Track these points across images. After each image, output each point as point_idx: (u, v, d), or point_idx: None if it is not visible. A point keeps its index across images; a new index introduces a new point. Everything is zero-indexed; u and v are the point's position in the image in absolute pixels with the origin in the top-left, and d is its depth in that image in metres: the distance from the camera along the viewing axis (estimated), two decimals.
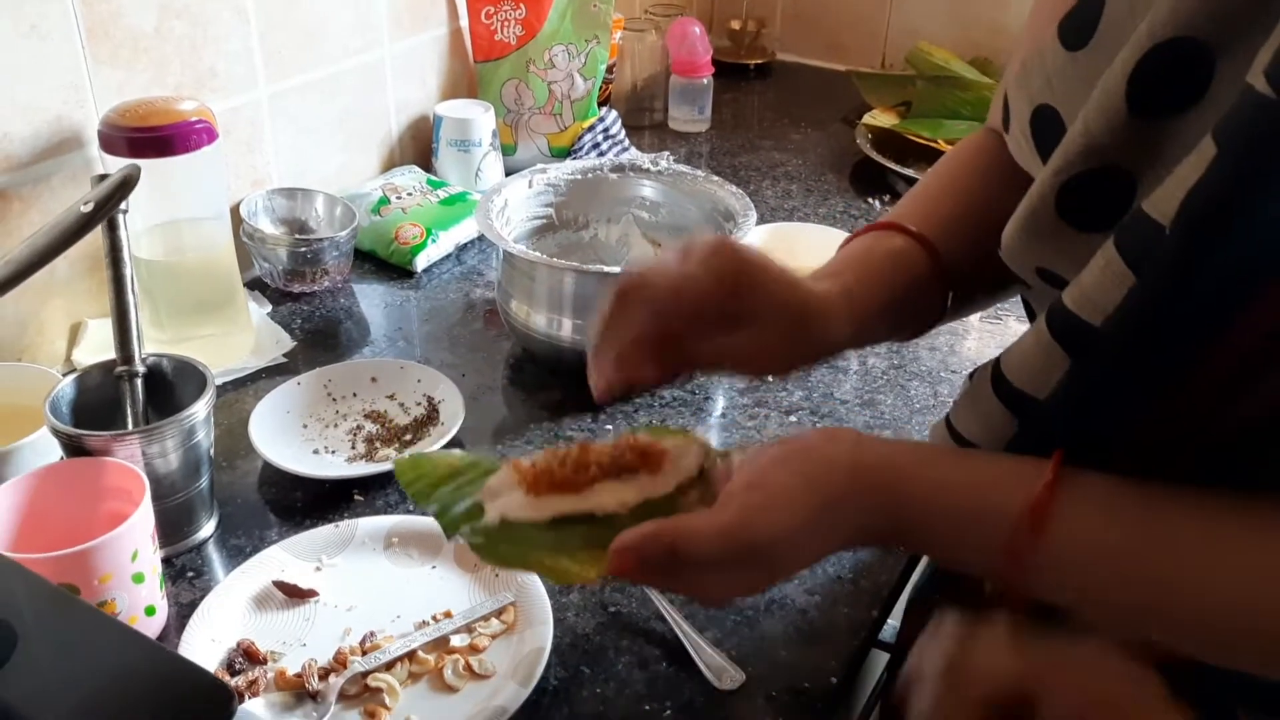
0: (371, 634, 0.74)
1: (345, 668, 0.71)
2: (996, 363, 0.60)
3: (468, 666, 0.72)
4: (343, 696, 0.70)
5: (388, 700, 0.70)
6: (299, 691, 0.70)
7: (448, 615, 0.76)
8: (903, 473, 0.55)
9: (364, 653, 0.72)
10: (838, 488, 0.54)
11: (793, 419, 1.00)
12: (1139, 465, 0.53)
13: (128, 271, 0.80)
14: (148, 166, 0.91)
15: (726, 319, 0.60)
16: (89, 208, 0.66)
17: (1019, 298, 0.74)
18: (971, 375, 0.72)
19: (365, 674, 0.71)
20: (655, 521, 0.54)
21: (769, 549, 0.53)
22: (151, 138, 0.93)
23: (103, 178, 0.77)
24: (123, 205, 0.78)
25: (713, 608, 0.73)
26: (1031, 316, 0.68)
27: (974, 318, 1.19)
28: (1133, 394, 0.51)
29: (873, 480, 0.55)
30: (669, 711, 0.70)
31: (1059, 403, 0.55)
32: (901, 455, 0.56)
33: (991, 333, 1.16)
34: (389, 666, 0.72)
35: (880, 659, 0.87)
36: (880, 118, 1.61)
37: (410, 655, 0.72)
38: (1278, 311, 0.45)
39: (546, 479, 0.60)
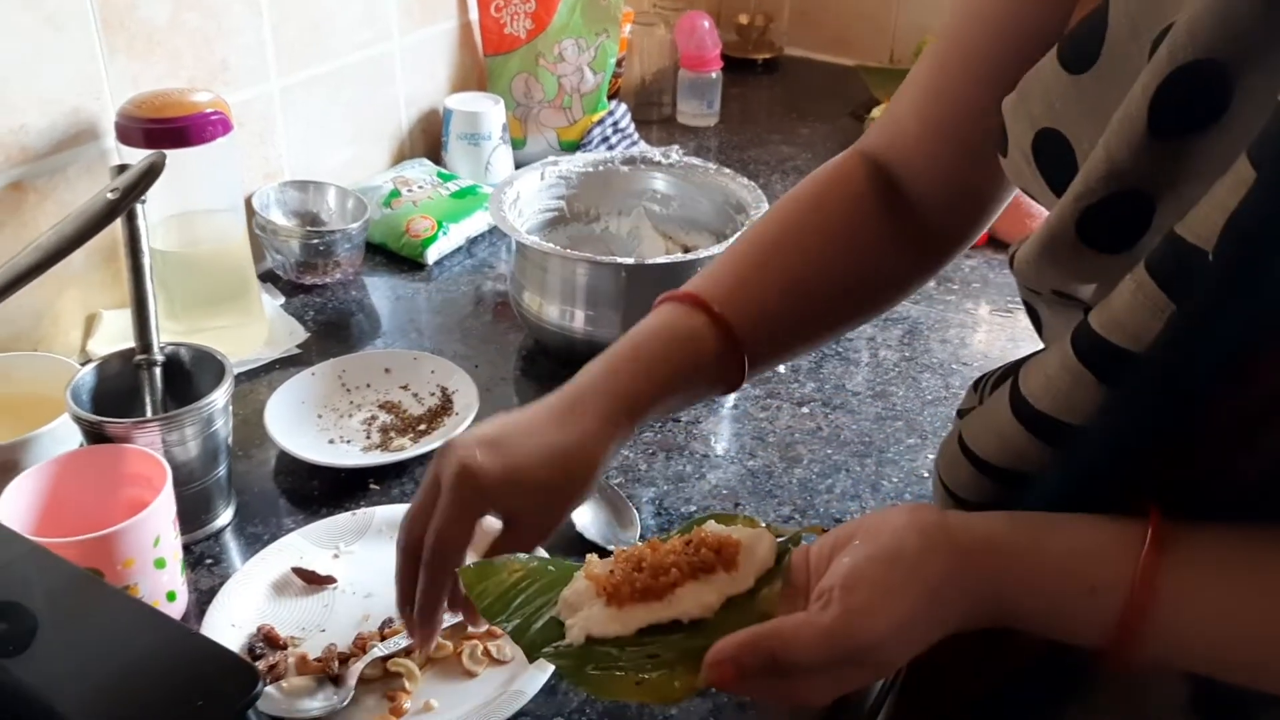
0: (390, 620, 0.75)
1: (365, 652, 0.72)
2: (1014, 385, 0.59)
3: (485, 652, 0.73)
4: (362, 681, 0.70)
5: (407, 685, 0.70)
6: (319, 676, 0.71)
7: None
8: (1002, 555, 0.53)
9: (383, 638, 0.73)
10: (939, 579, 0.52)
11: (805, 410, 1.00)
12: (1180, 493, 0.52)
13: (146, 262, 0.81)
14: None
15: (505, 517, 0.64)
16: (115, 195, 0.66)
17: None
18: (976, 386, 0.71)
19: (385, 659, 0.72)
20: (751, 630, 0.52)
21: (874, 648, 0.51)
22: (168, 129, 0.94)
23: (123, 168, 0.78)
24: (144, 195, 0.79)
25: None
26: (1034, 319, 0.68)
27: (984, 310, 1.19)
28: (1173, 420, 0.50)
29: (974, 567, 0.53)
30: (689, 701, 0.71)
31: (1096, 430, 0.54)
32: (996, 534, 0.54)
33: (1001, 325, 1.16)
34: (408, 652, 0.72)
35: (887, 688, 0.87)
36: None
37: None
38: None
39: (627, 588, 0.57)
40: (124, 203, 0.66)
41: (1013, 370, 0.62)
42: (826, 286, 0.73)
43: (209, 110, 0.96)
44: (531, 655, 0.57)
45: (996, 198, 0.72)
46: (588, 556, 0.61)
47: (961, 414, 0.69)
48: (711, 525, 0.61)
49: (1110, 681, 0.62)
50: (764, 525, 0.62)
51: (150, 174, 0.69)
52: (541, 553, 0.67)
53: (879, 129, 0.76)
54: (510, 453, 0.62)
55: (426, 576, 0.62)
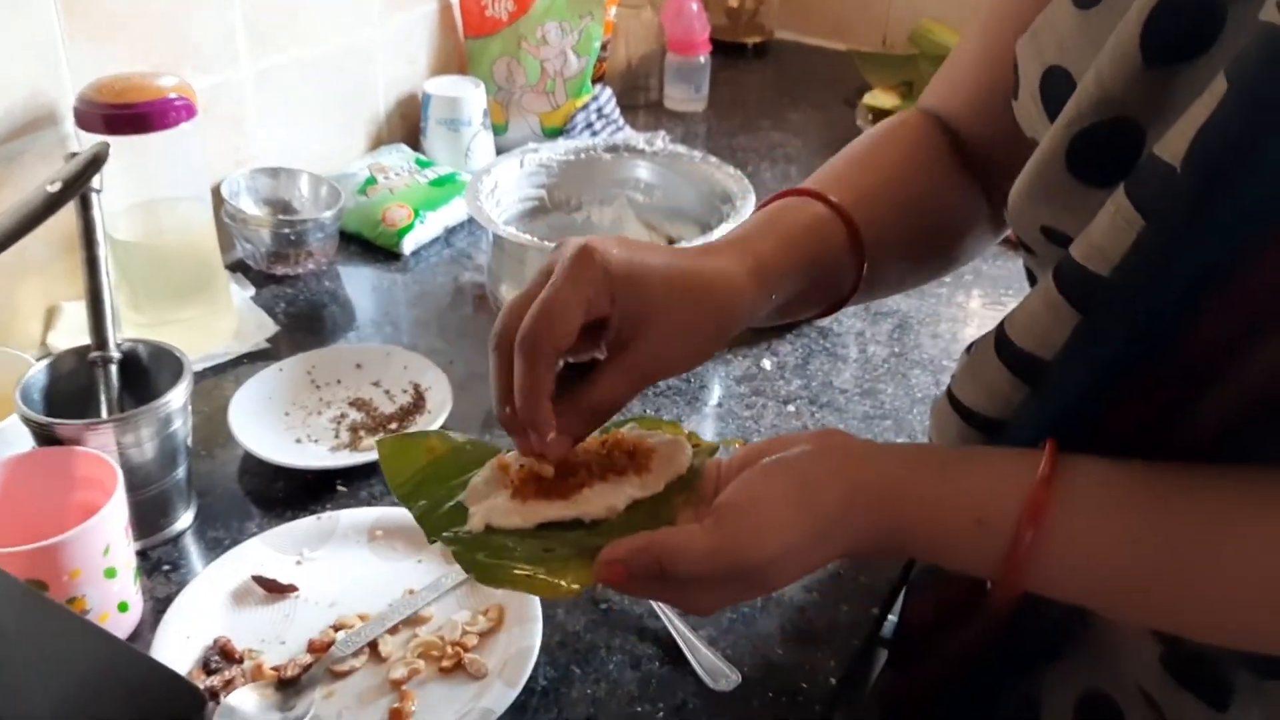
0: (340, 624, 0.73)
1: (324, 654, 0.69)
2: (1000, 328, 0.59)
3: (456, 665, 0.69)
4: (340, 676, 0.69)
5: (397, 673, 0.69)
6: (280, 682, 0.68)
7: (411, 593, 0.75)
8: (897, 488, 0.54)
9: (335, 630, 0.71)
10: (831, 508, 0.53)
11: (790, 408, 0.97)
12: (1141, 434, 0.52)
13: (102, 253, 0.77)
14: (124, 144, 0.89)
15: (621, 326, 0.56)
16: (56, 187, 0.63)
17: (1022, 282, 0.71)
18: (969, 349, 0.70)
19: (345, 658, 0.69)
20: (644, 535, 0.53)
21: (760, 569, 0.52)
22: (128, 114, 0.90)
23: (74, 156, 0.74)
24: (95, 184, 0.75)
25: (700, 616, 0.72)
26: (1034, 285, 0.66)
27: (975, 303, 1.16)
28: (1143, 347, 0.50)
29: (867, 499, 0.53)
30: (662, 713, 0.68)
31: (1067, 360, 0.54)
32: (894, 467, 0.55)
33: (994, 318, 1.12)
34: (372, 649, 0.70)
35: (881, 656, 0.85)
36: (881, 98, 1.58)
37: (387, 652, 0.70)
38: None
39: (533, 482, 0.57)
40: (66, 195, 0.63)
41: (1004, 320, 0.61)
42: (929, 216, 0.72)
43: (172, 95, 0.92)
44: (431, 537, 0.57)
45: None
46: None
47: (954, 377, 0.68)
48: (632, 427, 0.62)
49: (1087, 643, 0.64)
50: (686, 432, 0.62)
51: (93, 164, 0.66)
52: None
53: (936, 93, 0.75)
54: (641, 252, 0.57)
55: (523, 360, 0.54)
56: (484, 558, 0.55)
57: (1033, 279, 0.67)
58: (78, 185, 0.66)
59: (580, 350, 0.58)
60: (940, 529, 0.53)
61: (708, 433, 0.94)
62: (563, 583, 0.54)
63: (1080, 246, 0.52)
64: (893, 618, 0.80)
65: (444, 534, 0.57)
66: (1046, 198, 0.56)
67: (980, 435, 0.61)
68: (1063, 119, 0.54)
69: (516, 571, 0.55)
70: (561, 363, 0.57)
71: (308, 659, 0.69)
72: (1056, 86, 0.56)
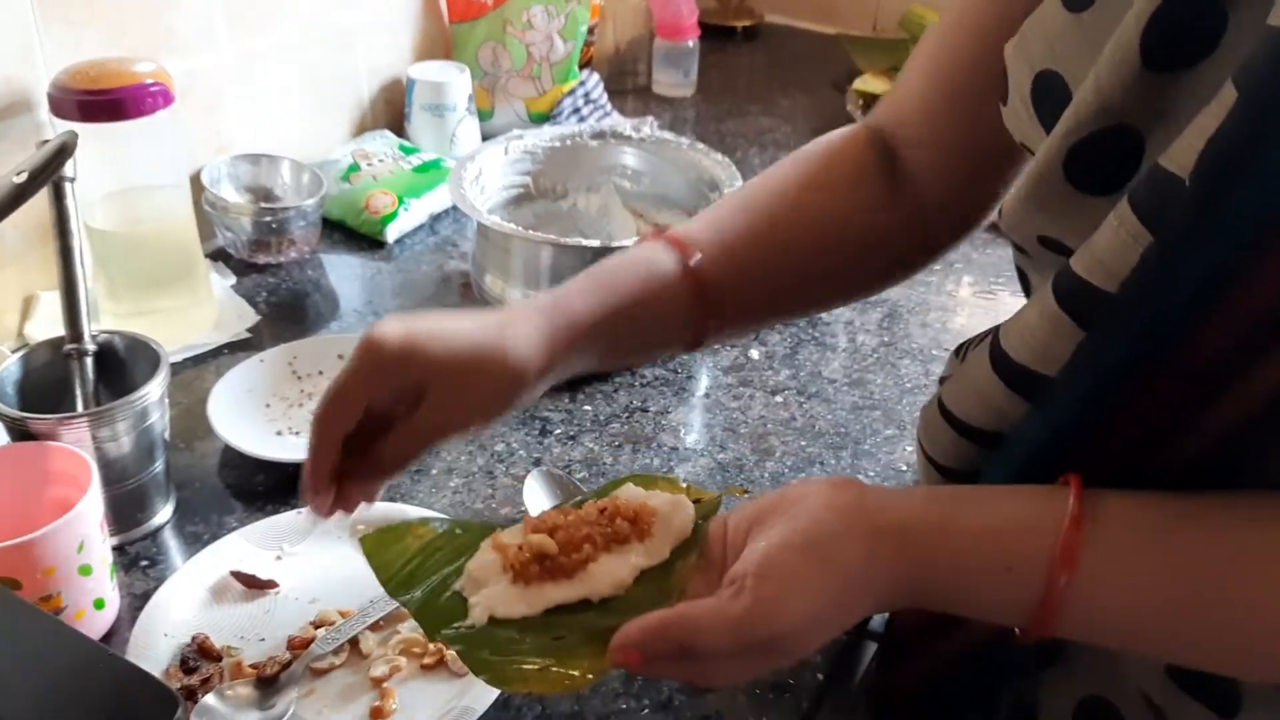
0: (322, 622, 0.72)
1: (304, 650, 0.68)
2: (995, 341, 0.57)
3: (438, 663, 0.68)
4: (318, 674, 0.68)
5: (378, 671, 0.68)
6: (259, 680, 0.67)
7: None
8: (919, 536, 0.51)
9: (316, 626, 0.70)
10: (853, 567, 0.50)
11: (778, 399, 0.96)
12: (1144, 445, 0.50)
13: (76, 243, 0.76)
14: (100, 131, 0.88)
15: (407, 393, 0.59)
16: (22, 177, 0.61)
17: (1013, 269, 0.70)
18: (958, 352, 0.69)
19: (325, 655, 0.68)
20: (659, 616, 0.49)
21: (785, 639, 0.49)
22: (103, 101, 0.88)
23: (44, 144, 0.73)
24: (69, 173, 0.74)
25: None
26: (1026, 288, 0.65)
27: (965, 291, 1.15)
28: (1149, 361, 0.48)
29: (890, 551, 0.51)
30: (647, 709, 0.67)
31: (1070, 375, 0.52)
32: (912, 512, 0.52)
33: (985, 308, 1.12)
34: (353, 646, 0.69)
35: (869, 650, 0.84)
36: (871, 83, 1.56)
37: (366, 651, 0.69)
38: None
39: (535, 563, 0.54)
40: (34, 185, 0.61)
41: (995, 329, 0.59)
42: (816, 250, 0.70)
43: (149, 81, 0.91)
44: (431, 635, 0.54)
45: (1002, 181, 0.69)
46: (498, 527, 0.59)
47: (943, 381, 0.66)
48: (629, 489, 0.59)
49: (1086, 648, 0.62)
50: (684, 487, 0.60)
51: (62, 154, 0.64)
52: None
53: (885, 105, 0.74)
54: (420, 327, 0.60)
55: (313, 435, 0.60)
56: (490, 655, 0.52)
57: (1023, 278, 0.65)
58: (46, 175, 0.64)
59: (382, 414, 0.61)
60: (967, 577, 0.51)
61: (695, 425, 0.93)
62: (576, 673, 0.51)
63: (1082, 260, 0.51)
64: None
65: (444, 631, 0.54)
66: (1044, 206, 0.55)
67: (974, 447, 0.60)
68: (1060, 128, 0.52)
69: (526, 667, 0.51)
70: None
71: (287, 656, 0.68)
72: (1048, 91, 0.55)
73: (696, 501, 0.58)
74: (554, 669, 0.51)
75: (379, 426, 0.61)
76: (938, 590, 0.52)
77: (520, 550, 0.54)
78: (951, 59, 0.67)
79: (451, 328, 0.61)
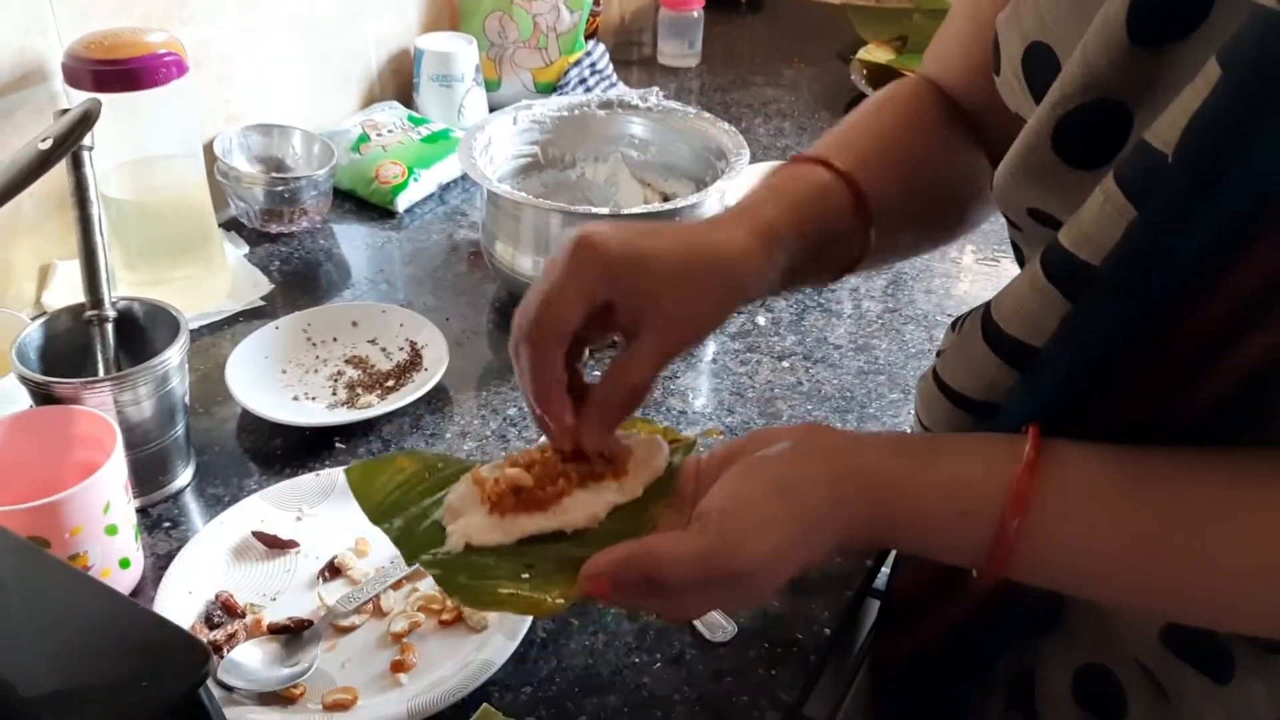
0: (331, 563, 0.74)
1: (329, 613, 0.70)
2: (986, 312, 0.58)
3: (456, 619, 0.70)
4: (343, 631, 0.70)
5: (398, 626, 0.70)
6: (283, 637, 0.69)
7: None
8: (881, 479, 0.53)
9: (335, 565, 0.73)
10: (817, 506, 0.52)
11: (785, 364, 0.97)
12: (1131, 422, 0.51)
13: (95, 211, 0.77)
14: (114, 101, 0.88)
15: (628, 309, 0.56)
16: (47, 144, 0.62)
17: (1009, 240, 0.71)
18: (955, 325, 0.70)
19: (347, 613, 0.70)
20: (627, 545, 0.51)
21: (749, 572, 0.51)
22: (118, 70, 0.89)
23: (65, 113, 0.74)
24: (87, 141, 0.75)
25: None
26: (1021, 260, 0.66)
27: (969, 258, 1.16)
28: (1134, 336, 0.49)
29: (851, 492, 0.53)
30: (659, 664, 0.69)
31: (1058, 349, 0.53)
32: (878, 459, 0.54)
33: (988, 274, 1.14)
34: (374, 604, 0.71)
35: (873, 607, 0.86)
36: (875, 53, 1.57)
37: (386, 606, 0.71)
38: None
39: (511, 495, 0.56)
40: (58, 153, 0.62)
41: (989, 302, 0.60)
42: (931, 180, 0.71)
43: (162, 51, 0.92)
44: (410, 559, 0.56)
45: None
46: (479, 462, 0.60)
47: (940, 354, 0.67)
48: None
49: (1083, 617, 0.64)
50: (662, 428, 0.62)
51: (85, 122, 0.65)
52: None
53: (929, 60, 0.74)
54: (639, 234, 0.57)
55: (530, 353, 0.56)
56: (466, 579, 0.54)
57: (1018, 252, 0.66)
58: (69, 143, 0.65)
59: (597, 339, 0.59)
60: (924, 519, 0.53)
61: (703, 389, 0.95)
62: (547, 598, 0.53)
63: (1069, 233, 0.51)
64: (887, 569, 0.81)
65: (423, 556, 0.56)
66: (1033, 179, 0.56)
67: (968, 417, 0.61)
68: (1048, 100, 0.53)
69: (500, 591, 0.53)
70: (587, 353, 0.59)
71: (310, 617, 0.70)
72: (1039, 63, 0.55)
73: (674, 443, 0.60)
74: (525, 593, 0.53)
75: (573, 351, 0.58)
76: (897, 533, 0.54)
77: (497, 483, 0.56)
78: (982, 27, 0.66)
79: (671, 234, 0.58)
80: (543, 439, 0.61)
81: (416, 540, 0.57)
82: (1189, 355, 0.48)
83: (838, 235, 0.65)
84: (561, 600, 0.52)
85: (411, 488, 0.60)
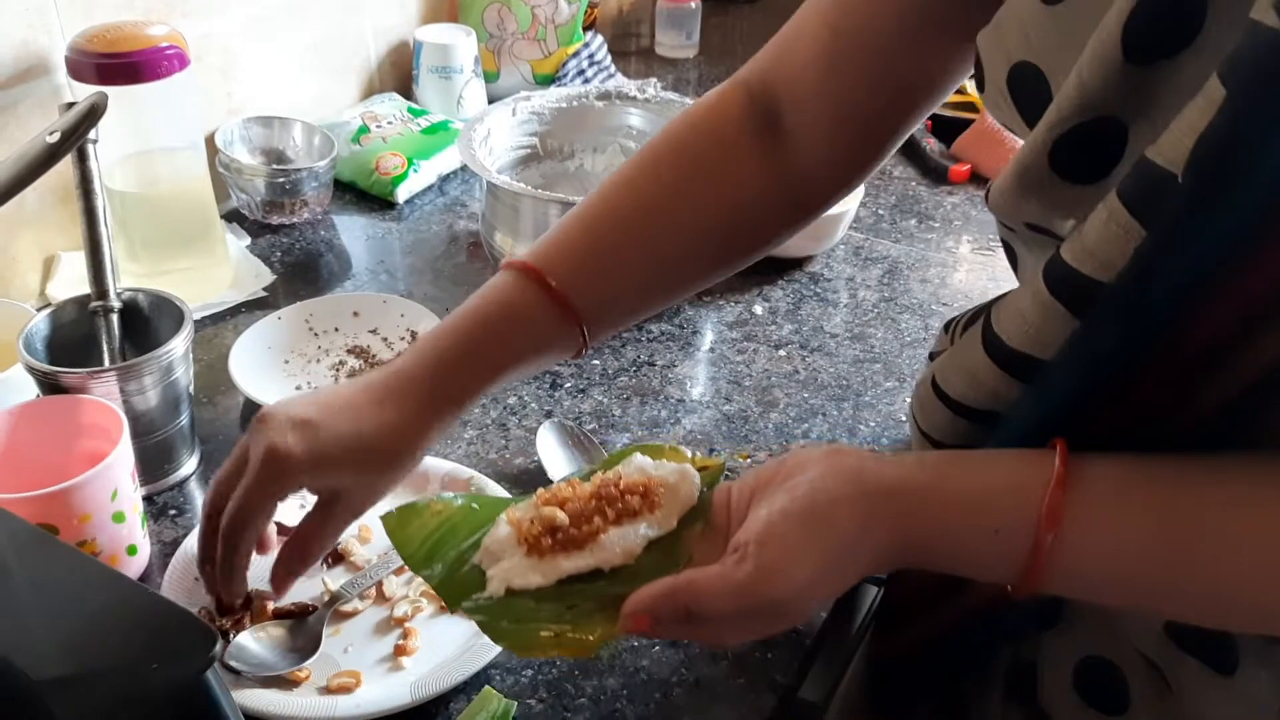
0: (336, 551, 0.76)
1: (333, 599, 0.71)
2: (987, 323, 0.58)
3: None
4: (345, 616, 0.71)
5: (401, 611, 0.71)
6: (288, 621, 0.70)
7: None
8: (913, 500, 0.54)
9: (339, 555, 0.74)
10: (851, 530, 0.53)
11: (781, 353, 0.99)
12: (1139, 430, 0.52)
13: (100, 203, 0.78)
14: (117, 94, 0.89)
15: (317, 489, 0.63)
16: (55, 138, 0.63)
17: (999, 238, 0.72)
18: (947, 327, 0.71)
19: (351, 598, 0.72)
20: (666, 582, 0.53)
21: (787, 602, 0.52)
22: (120, 64, 0.90)
23: (70, 106, 0.75)
24: (92, 135, 0.76)
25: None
26: (1012, 259, 0.66)
27: (965, 248, 1.17)
28: (1144, 349, 0.50)
29: (884, 514, 0.53)
30: (657, 647, 0.70)
31: (1068, 362, 0.54)
32: (906, 478, 0.54)
33: (983, 264, 1.15)
34: (378, 590, 0.73)
35: (868, 591, 0.87)
36: None
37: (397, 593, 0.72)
38: None
39: (548, 535, 0.57)
40: (65, 146, 0.63)
41: (984, 310, 0.61)
42: (683, 245, 0.71)
43: (164, 44, 0.92)
44: (452, 606, 0.57)
45: (889, 143, 0.70)
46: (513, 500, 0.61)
47: (933, 357, 0.68)
48: (638, 459, 0.61)
49: (1085, 609, 0.64)
50: (690, 456, 0.62)
51: (92, 115, 0.66)
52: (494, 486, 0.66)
53: (768, 53, 0.73)
54: (320, 437, 0.61)
55: (225, 545, 0.62)
56: (509, 624, 0.55)
57: (1009, 249, 0.66)
58: (77, 136, 0.66)
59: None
60: (957, 538, 0.53)
61: (700, 378, 0.96)
62: (590, 638, 0.54)
63: (1072, 249, 0.52)
64: None
65: (465, 603, 0.57)
66: (1031, 194, 0.56)
67: (969, 424, 0.61)
68: (1044, 122, 0.53)
69: (543, 634, 0.54)
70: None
71: (312, 599, 0.71)
72: (1026, 82, 0.55)
73: (703, 470, 0.61)
74: (569, 634, 0.54)
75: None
76: (930, 552, 0.54)
77: (532, 524, 0.57)
78: (847, 18, 0.67)
79: (349, 429, 0.62)
80: (569, 471, 0.62)
81: (457, 586, 0.58)
82: (1197, 364, 0.49)
83: (541, 355, 0.68)
84: (604, 640, 0.54)
85: (447, 531, 0.61)
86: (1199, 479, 0.51)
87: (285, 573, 0.65)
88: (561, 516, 0.57)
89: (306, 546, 0.65)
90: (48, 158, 0.64)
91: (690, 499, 0.59)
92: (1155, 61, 0.49)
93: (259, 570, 0.74)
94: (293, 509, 0.78)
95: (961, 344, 0.61)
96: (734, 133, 0.71)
